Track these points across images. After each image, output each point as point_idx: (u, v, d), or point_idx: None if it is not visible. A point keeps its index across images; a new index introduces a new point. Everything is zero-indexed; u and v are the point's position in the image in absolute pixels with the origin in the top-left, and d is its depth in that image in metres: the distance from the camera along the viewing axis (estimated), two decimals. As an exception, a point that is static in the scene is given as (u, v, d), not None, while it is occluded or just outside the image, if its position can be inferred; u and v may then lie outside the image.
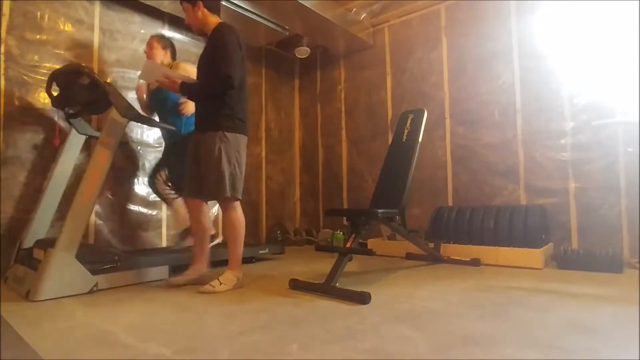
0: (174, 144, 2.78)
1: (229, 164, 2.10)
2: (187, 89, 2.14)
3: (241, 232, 2.19)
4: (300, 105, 4.83)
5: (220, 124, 2.11)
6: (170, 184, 2.87)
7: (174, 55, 2.90)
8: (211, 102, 2.12)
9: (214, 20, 2.18)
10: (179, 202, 2.86)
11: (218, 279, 2.10)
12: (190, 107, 2.59)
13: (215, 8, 2.22)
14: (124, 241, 3.06)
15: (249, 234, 4.07)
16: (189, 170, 2.25)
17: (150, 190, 3.02)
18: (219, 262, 2.46)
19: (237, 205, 2.17)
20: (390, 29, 4.06)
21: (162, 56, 2.80)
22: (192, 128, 2.31)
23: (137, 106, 2.52)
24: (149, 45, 2.81)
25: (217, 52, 2.09)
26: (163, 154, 3.01)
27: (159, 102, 2.79)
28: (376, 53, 4.14)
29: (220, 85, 2.08)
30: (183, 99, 2.58)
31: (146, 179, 3.09)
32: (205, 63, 2.19)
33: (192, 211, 2.29)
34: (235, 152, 2.14)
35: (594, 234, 2.85)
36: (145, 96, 2.89)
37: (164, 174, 2.89)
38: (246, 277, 2.40)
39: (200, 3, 2.16)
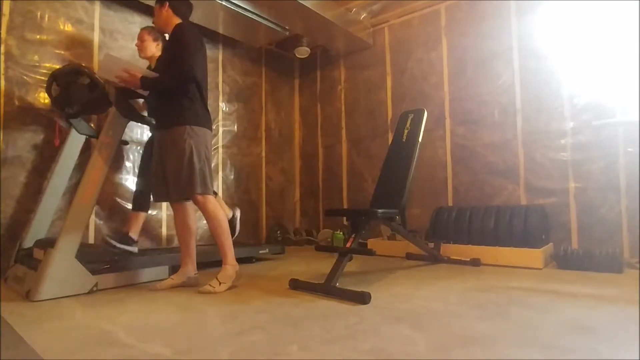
0: None
1: (199, 160, 2.07)
2: (148, 83, 2.07)
3: (226, 223, 2.15)
4: (300, 105, 4.83)
5: (187, 117, 2.08)
6: None
7: None
8: (174, 96, 2.09)
9: (175, 21, 2.18)
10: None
11: (217, 278, 2.08)
12: None
13: (182, 12, 2.21)
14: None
15: (249, 233, 4.08)
16: (157, 172, 2.19)
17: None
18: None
19: (212, 198, 2.14)
20: (390, 29, 4.06)
21: (153, 48, 2.73)
22: None
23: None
24: (140, 37, 2.74)
25: (177, 48, 2.07)
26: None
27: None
28: (376, 53, 4.14)
29: (182, 78, 2.05)
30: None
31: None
32: (164, 60, 2.16)
33: (176, 213, 2.22)
34: (204, 146, 2.11)
35: (594, 234, 2.85)
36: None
37: None
38: (246, 277, 2.41)
39: (167, 3, 2.16)
